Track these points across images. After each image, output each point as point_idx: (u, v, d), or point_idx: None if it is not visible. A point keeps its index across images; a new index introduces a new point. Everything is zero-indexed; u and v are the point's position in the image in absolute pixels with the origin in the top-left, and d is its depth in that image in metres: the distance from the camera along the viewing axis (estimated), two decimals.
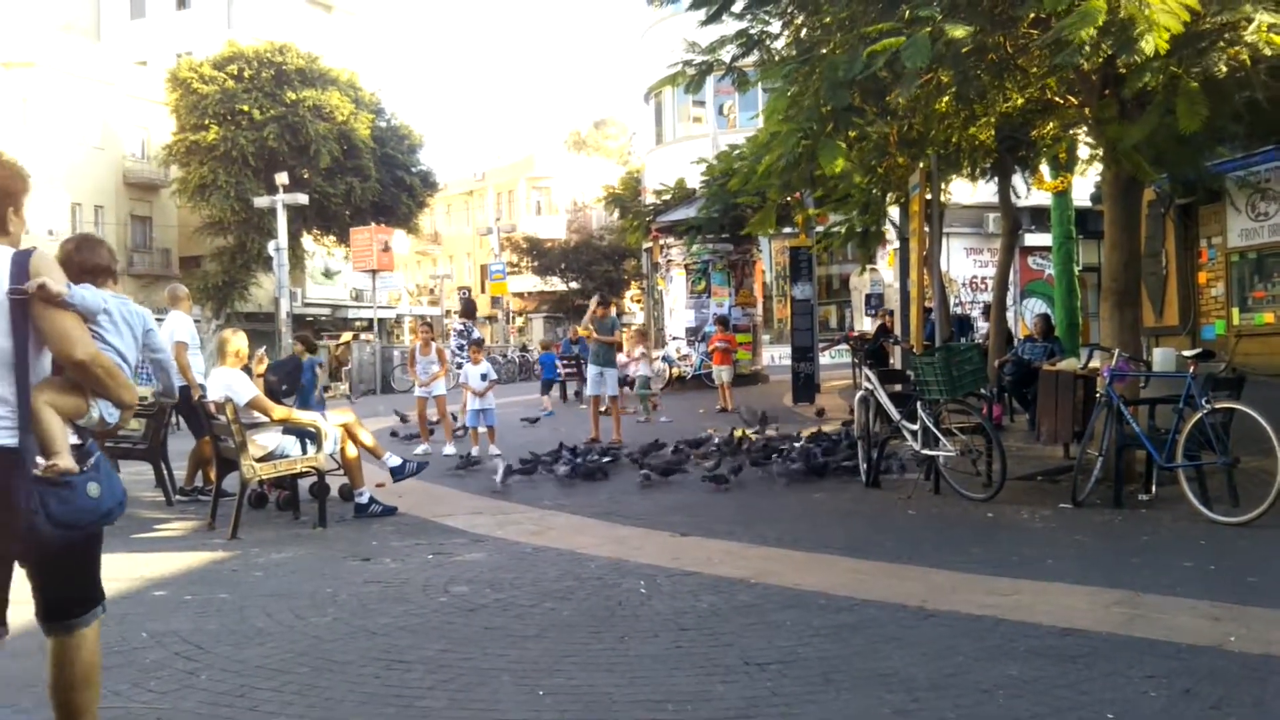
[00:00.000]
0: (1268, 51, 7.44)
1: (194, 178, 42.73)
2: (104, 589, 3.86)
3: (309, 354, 13.11)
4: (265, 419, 9.07)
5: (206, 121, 42.24)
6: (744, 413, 14.64)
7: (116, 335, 4.26)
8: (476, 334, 17.39)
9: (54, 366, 3.54)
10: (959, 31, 7.58)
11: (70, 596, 3.67)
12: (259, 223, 41.15)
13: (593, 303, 15.87)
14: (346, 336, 39.00)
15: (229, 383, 9.01)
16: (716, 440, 12.90)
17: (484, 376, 14.04)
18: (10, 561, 3.49)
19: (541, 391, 22.29)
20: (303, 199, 36.62)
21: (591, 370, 15.02)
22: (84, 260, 4.62)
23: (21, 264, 3.36)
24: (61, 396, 3.50)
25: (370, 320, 43.27)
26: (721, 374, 19.30)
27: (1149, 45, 7.00)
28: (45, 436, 3.40)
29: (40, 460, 3.35)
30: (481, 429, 13.88)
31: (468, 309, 19.60)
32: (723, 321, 21.73)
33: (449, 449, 13.58)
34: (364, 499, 9.48)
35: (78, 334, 3.44)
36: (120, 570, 7.41)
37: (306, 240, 47.34)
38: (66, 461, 3.40)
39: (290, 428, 9.23)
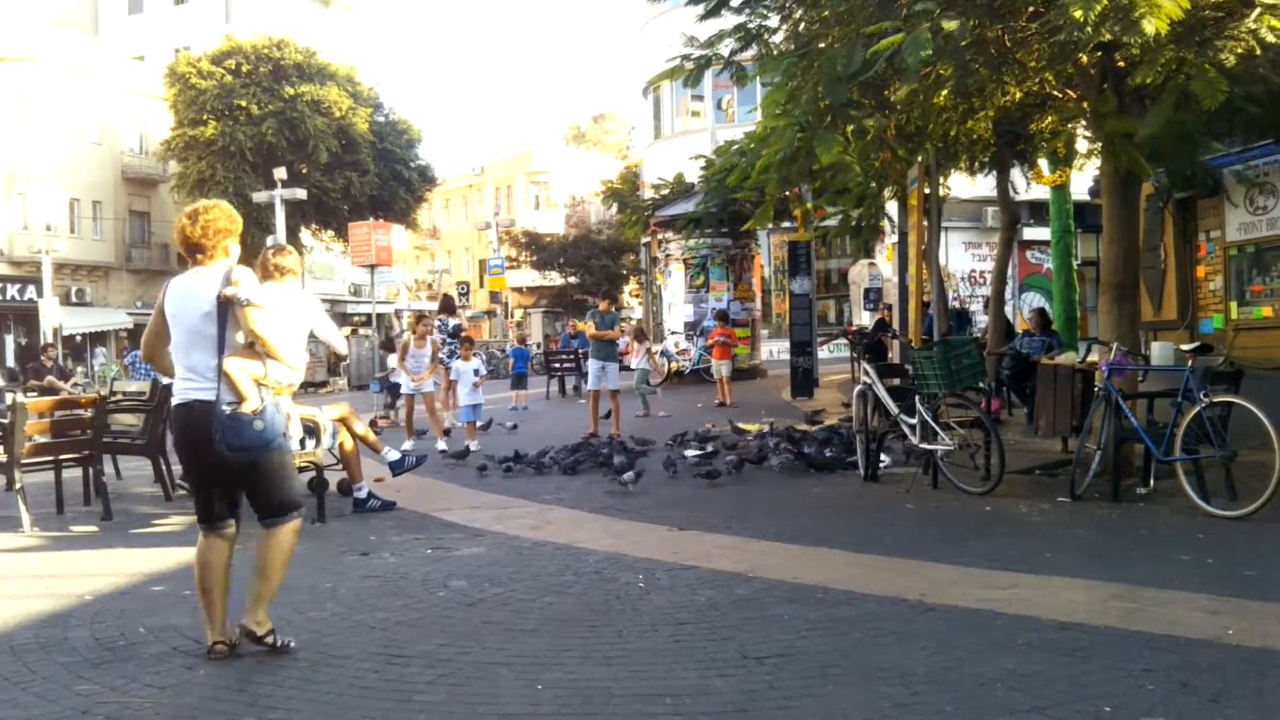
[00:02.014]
0: (1271, 39, 7.44)
1: (192, 173, 42.72)
2: (298, 503, 5.35)
3: None
4: None
5: (205, 116, 42.25)
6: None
7: (282, 319, 5.34)
8: (454, 323, 17.40)
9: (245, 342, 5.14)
10: (953, 25, 7.58)
11: (266, 503, 5.23)
12: (257, 218, 41.07)
13: (602, 305, 15.94)
14: (345, 331, 38.98)
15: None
16: (715, 434, 12.91)
17: (476, 373, 14.37)
18: (218, 476, 5.17)
19: (512, 387, 22.08)
20: (301, 194, 36.61)
21: (593, 365, 15.05)
22: (272, 262, 6.91)
23: (225, 276, 5.09)
24: (247, 362, 5.13)
25: (368, 315, 43.25)
26: (721, 368, 19.29)
27: (1150, 26, 7.00)
28: (236, 388, 5.05)
29: (227, 404, 5.01)
30: (479, 423, 13.96)
31: (446, 306, 19.56)
32: (722, 316, 21.73)
33: (441, 445, 13.59)
34: (362, 494, 9.48)
35: (253, 322, 5.05)
36: (119, 565, 7.42)
37: (305, 235, 47.31)
38: (250, 405, 5.05)
39: None
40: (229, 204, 5.50)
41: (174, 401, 5.22)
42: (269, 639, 5.15)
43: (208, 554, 5.18)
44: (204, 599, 5.17)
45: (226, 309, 5.06)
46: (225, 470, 5.12)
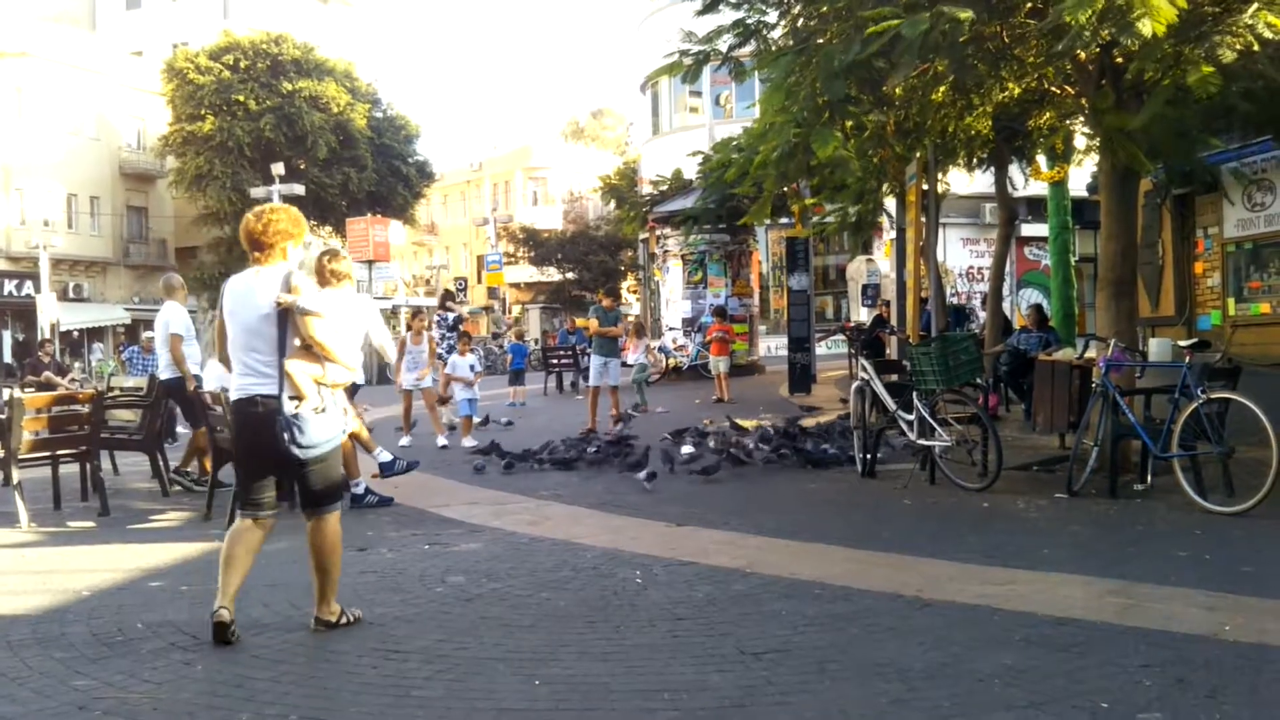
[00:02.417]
0: (1268, 34, 7.45)
1: (190, 168, 42.72)
2: (340, 495, 5.73)
3: None
4: None
5: (202, 112, 42.23)
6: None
7: (338, 324, 5.55)
8: (453, 316, 17.40)
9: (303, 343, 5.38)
10: (961, 13, 7.58)
11: (316, 493, 5.47)
12: None
13: (606, 301, 15.95)
14: None
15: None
16: (712, 430, 12.91)
17: (472, 368, 14.45)
18: (274, 467, 5.45)
19: (510, 383, 22.06)
20: (299, 190, 36.60)
21: (595, 360, 15.04)
22: (329, 268, 7.63)
23: (285, 279, 5.32)
24: (307, 364, 5.36)
25: None
26: (719, 364, 19.29)
27: (1146, 28, 7.01)
28: (295, 387, 5.31)
29: (290, 403, 5.28)
30: (477, 418, 13.99)
31: (447, 298, 19.57)
32: (720, 312, 21.70)
33: (441, 441, 13.59)
34: (360, 490, 9.48)
35: (312, 329, 5.29)
36: (116, 561, 7.42)
37: None
38: (310, 404, 5.30)
39: None
40: (295, 209, 5.83)
41: (233, 396, 5.46)
42: (343, 620, 5.52)
43: (241, 536, 5.44)
44: (224, 571, 5.34)
45: (286, 313, 5.30)
46: (281, 461, 5.36)
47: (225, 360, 5.69)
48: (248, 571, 5.42)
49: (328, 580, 5.51)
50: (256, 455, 5.46)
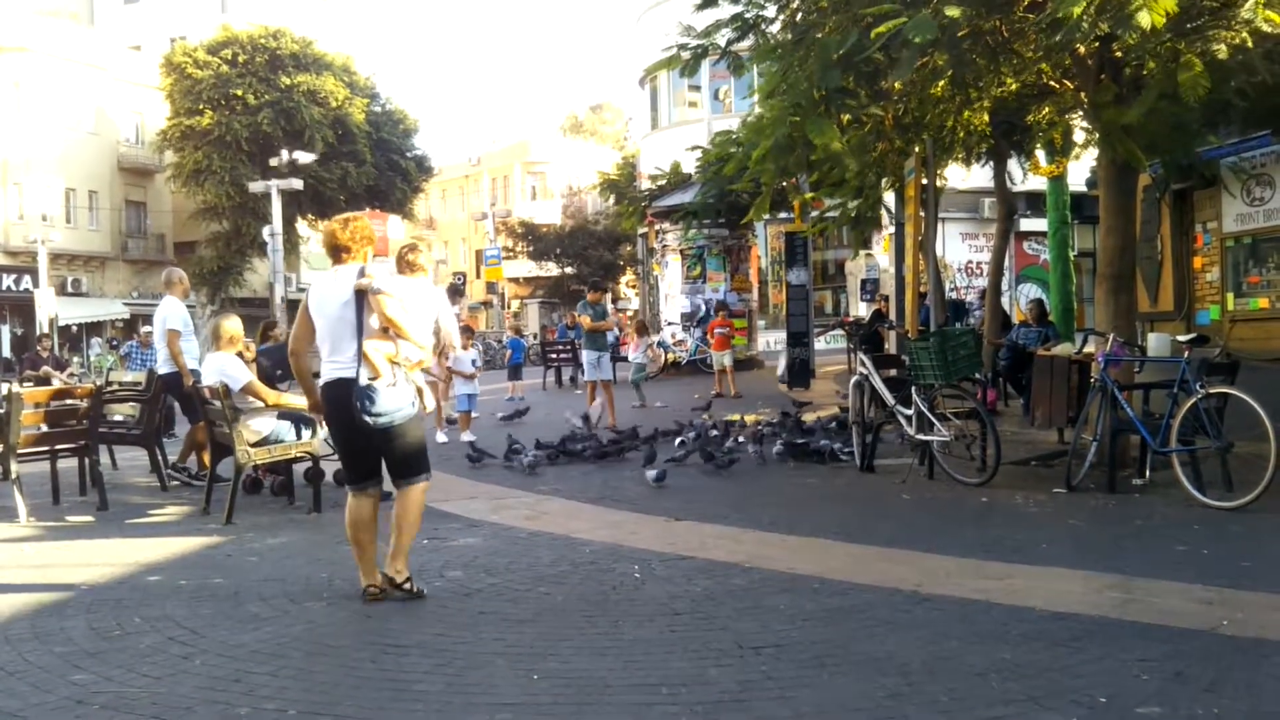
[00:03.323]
0: (1266, 28, 7.45)
1: (188, 163, 42.66)
2: (426, 468, 6.09)
3: None
4: (260, 404, 9.06)
5: (201, 106, 42.17)
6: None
7: (410, 306, 6.05)
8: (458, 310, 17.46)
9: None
10: (955, 11, 7.58)
11: (400, 465, 5.98)
12: (254, 208, 41.07)
13: (592, 296, 15.95)
14: None
15: (223, 367, 9.01)
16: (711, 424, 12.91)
17: (473, 362, 14.47)
18: (361, 445, 5.95)
19: (509, 378, 22.03)
20: (297, 184, 36.52)
21: (589, 356, 15.06)
22: (406, 259, 8.64)
23: (360, 269, 5.88)
24: (382, 343, 5.88)
25: None
26: (722, 359, 19.30)
27: (1145, 19, 7.00)
28: (371, 365, 5.80)
29: (365, 377, 5.75)
30: (475, 414, 14.02)
31: (454, 291, 19.61)
32: (724, 307, 21.68)
33: (440, 436, 13.59)
34: None
35: (385, 307, 5.79)
36: (114, 555, 7.42)
37: (301, 225, 47.27)
38: (384, 380, 5.79)
39: (285, 413, 9.22)
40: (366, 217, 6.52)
41: (322, 381, 6.02)
42: (407, 585, 5.96)
43: (357, 511, 5.99)
44: (355, 549, 6.01)
45: (363, 298, 5.81)
46: (369, 437, 5.85)
47: (296, 354, 6.23)
48: (374, 540, 6.04)
49: (403, 537, 5.98)
50: (346, 432, 5.98)
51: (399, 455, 5.95)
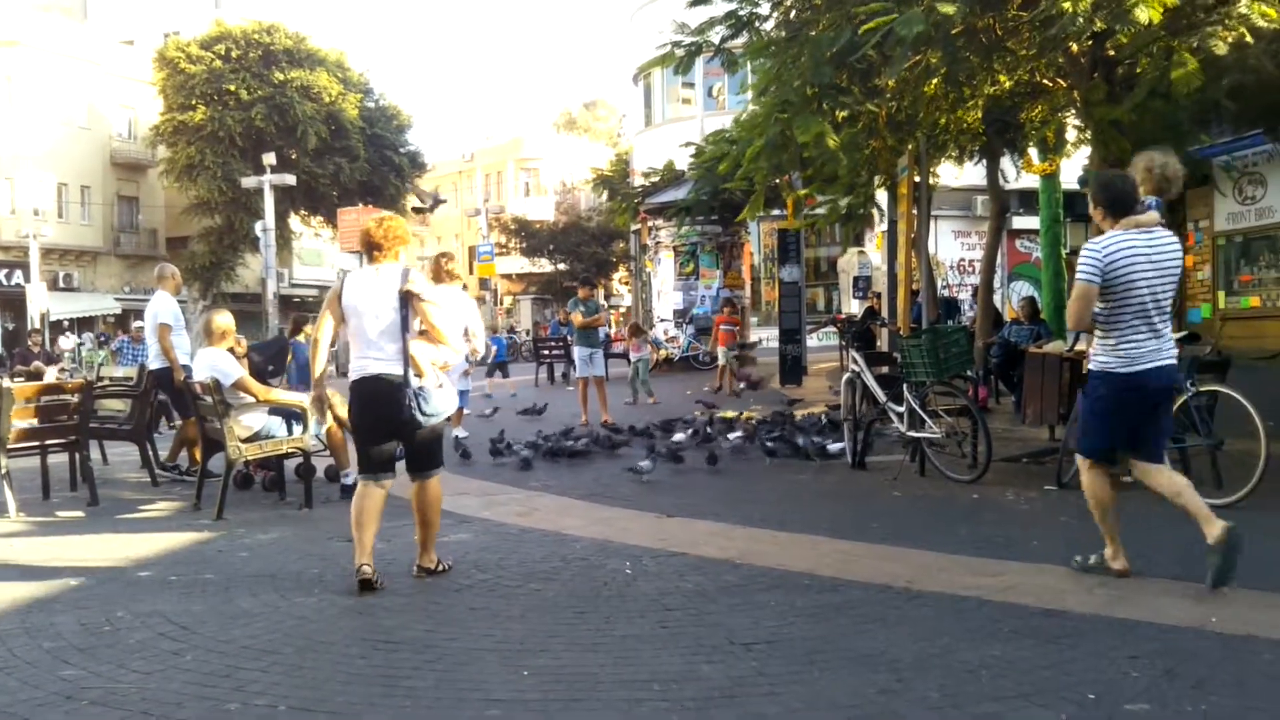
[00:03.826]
0: (1262, 24, 7.46)
1: (181, 158, 42.61)
2: (442, 461, 6.53)
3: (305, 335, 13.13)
4: (251, 399, 9.05)
5: (194, 101, 42.12)
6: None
7: (446, 312, 6.38)
8: None
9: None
10: (949, 8, 7.58)
11: (423, 458, 6.37)
12: (246, 203, 41.00)
13: (583, 292, 15.95)
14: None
15: (214, 363, 8.99)
16: (703, 420, 12.92)
17: (466, 359, 14.35)
18: (389, 435, 6.26)
19: (488, 374, 21.97)
20: (290, 180, 36.49)
21: (581, 352, 15.04)
22: (444, 269, 9.31)
23: (404, 274, 6.19)
24: (425, 346, 6.21)
25: None
26: (726, 355, 19.33)
27: (1143, 15, 7.01)
28: (416, 367, 6.12)
29: (415, 379, 6.10)
30: (468, 410, 13.98)
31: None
32: (729, 303, 21.71)
33: (459, 431, 13.58)
34: (350, 480, 9.43)
35: (430, 315, 6.16)
36: (105, 551, 7.41)
37: (294, 221, 47.19)
38: (429, 380, 6.18)
39: (276, 408, 9.21)
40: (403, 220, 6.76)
41: (355, 376, 6.27)
42: (439, 567, 6.43)
43: (366, 499, 6.22)
44: (357, 532, 6.18)
45: (407, 302, 6.12)
46: (397, 430, 6.22)
47: (320, 342, 6.42)
48: (379, 528, 6.26)
49: (430, 533, 6.43)
50: (376, 424, 6.26)
51: (425, 449, 6.33)
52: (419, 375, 6.15)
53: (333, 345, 6.82)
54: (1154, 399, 5.87)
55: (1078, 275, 5.73)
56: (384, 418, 6.18)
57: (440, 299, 6.39)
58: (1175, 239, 5.89)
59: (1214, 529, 5.49)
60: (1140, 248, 5.66)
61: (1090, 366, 6.05)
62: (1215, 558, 5.44)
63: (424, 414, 6.13)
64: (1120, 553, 5.90)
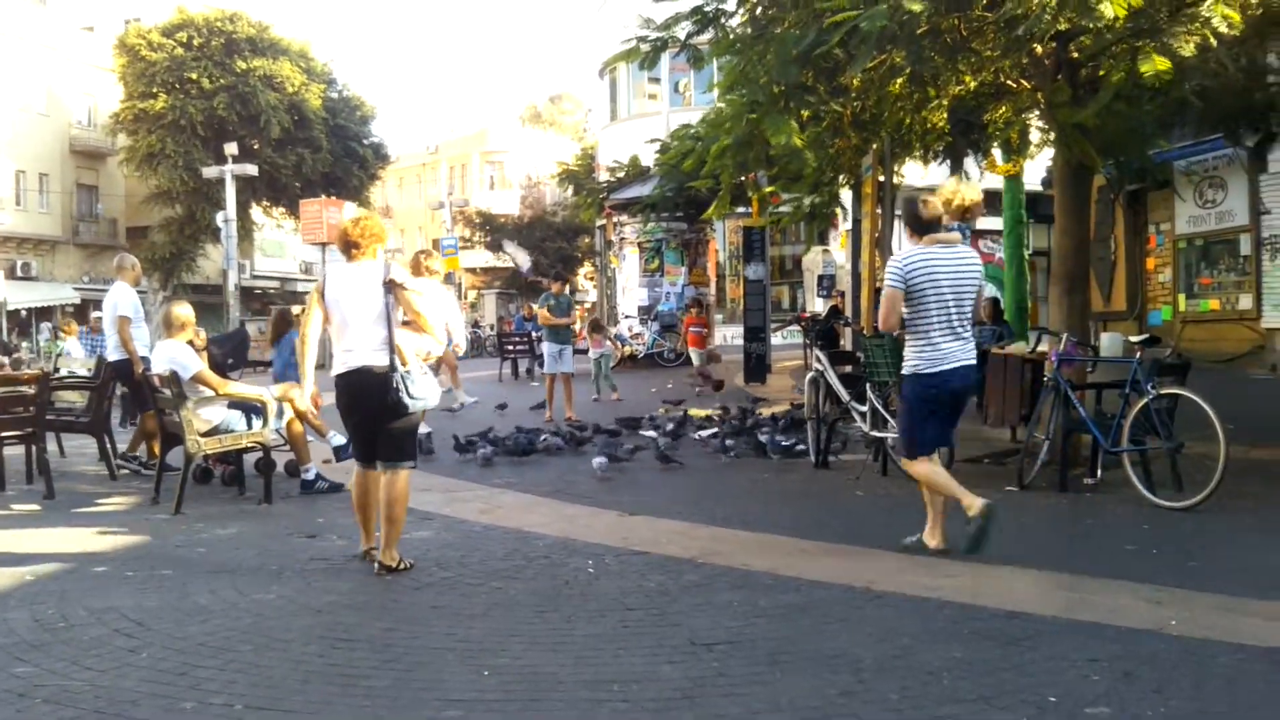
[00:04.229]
0: (1224, 29, 7.51)
1: (142, 146, 42.17)
2: (414, 454, 6.62)
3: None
4: (211, 393, 8.96)
5: (155, 89, 41.70)
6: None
7: (429, 303, 6.68)
8: None
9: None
10: (916, 5, 7.59)
11: (395, 448, 6.39)
12: (208, 193, 40.63)
13: (554, 287, 15.91)
14: (296, 310, 38.61)
15: (174, 356, 8.89)
16: (668, 418, 12.92)
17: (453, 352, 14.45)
18: (371, 424, 6.37)
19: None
20: (252, 170, 36.20)
21: (550, 348, 15.01)
22: (424, 264, 9.29)
23: (387, 267, 6.44)
24: (408, 335, 6.50)
25: None
26: (700, 357, 19.36)
27: (1108, 10, 7.05)
28: (401, 355, 6.32)
29: (400, 366, 6.27)
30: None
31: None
32: (698, 304, 21.70)
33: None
34: (310, 475, 9.40)
35: (415, 304, 6.44)
36: (60, 545, 7.32)
37: (256, 212, 46.82)
38: (414, 369, 6.39)
39: (236, 402, 9.13)
40: (379, 219, 7.07)
41: (339, 369, 6.41)
42: (401, 566, 6.38)
43: (364, 483, 6.49)
44: (360, 515, 6.57)
45: (391, 291, 6.33)
46: (378, 419, 6.33)
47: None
48: (377, 511, 6.44)
49: (394, 529, 6.39)
50: (362, 414, 6.42)
51: (398, 439, 6.40)
52: (403, 364, 6.31)
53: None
54: (956, 396, 6.66)
55: (884, 283, 6.51)
56: (371, 408, 6.33)
57: (423, 290, 6.64)
58: (976, 256, 6.77)
59: (974, 503, 6.29)
60: (940, 261, 6.40)
61: (903, 370, 6.70)
62: (972, 527, 6.26)
63: (411, 397, 6.27)
64: (939, 532, 6.65)
